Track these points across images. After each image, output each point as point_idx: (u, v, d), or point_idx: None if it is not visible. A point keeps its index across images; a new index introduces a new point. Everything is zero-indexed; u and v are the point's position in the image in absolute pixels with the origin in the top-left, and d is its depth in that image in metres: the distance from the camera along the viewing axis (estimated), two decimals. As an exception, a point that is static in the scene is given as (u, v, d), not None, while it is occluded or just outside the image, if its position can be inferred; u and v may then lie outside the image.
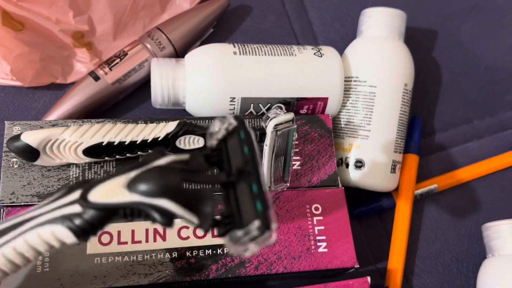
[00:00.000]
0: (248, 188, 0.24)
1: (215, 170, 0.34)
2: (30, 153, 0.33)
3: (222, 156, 0.26)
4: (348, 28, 0.47)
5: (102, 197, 0.22)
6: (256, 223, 0.22)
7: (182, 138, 0.34)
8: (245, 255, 0.24)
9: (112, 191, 0.22)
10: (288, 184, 0.36)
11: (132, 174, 0.22)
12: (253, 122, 0.37)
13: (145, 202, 0.22)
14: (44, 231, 0.23)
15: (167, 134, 0.34)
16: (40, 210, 0.23)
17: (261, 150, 0.33)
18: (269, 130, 0.32)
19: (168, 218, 0.22)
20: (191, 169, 0.23)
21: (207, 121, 0.37)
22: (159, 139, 0.34)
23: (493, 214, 0.43)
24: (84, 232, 0.23)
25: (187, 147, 0.35)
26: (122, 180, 0.22)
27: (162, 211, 0.22)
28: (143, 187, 0.21)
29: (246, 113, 0.38)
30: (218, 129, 0.26)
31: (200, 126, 0.34)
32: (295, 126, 0.32)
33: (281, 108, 0.33)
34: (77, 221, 0.22)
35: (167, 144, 0.34)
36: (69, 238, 0.23)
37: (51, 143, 0.33)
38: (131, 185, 0.22)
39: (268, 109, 0.33)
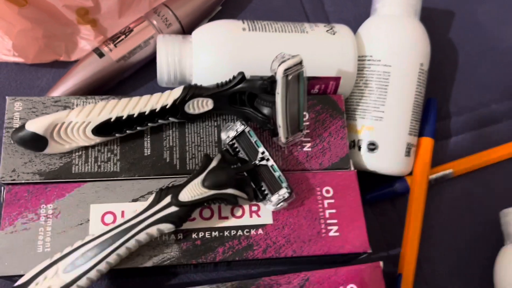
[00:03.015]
0: (270, 169, 0.33)
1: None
2: (38, 142, 0.32)
3: (241, 150, 0.34)
4: (361, 8, 0.45)
5: (189, 197, 0.31)
6: (284, 189, 0.32)
7: (190, 102, 0.33)
8: (278, 210, 0.34)
9: (194, 191, 0.31)
10: (304, 133, 0.35)
11: (202, 176, 0.31)
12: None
13: (218, 193, 0.31)
14: (152, 230, 0.30)
15: (175, 101, 0.32)
16: (141, 216, 0.30)
17: (274, 101, 0.32)
18: (279, 76, 0.31)
19: (235, 200, 0.32)
20: (230, 163, 0.33)
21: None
22: (167, 106, 0.32)
23: (509, 200, 0.41)
24: (181, 222, 0.31)
25: (196, 111, 0.33)
26: (198, 181, 0.31)
27: (231, 196, 0.31)
28: (215, 183, 0.31)
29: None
30: (228, 135, 0.34)
31: (206, 88, 0.33)
32: (304, 69, 0.32)
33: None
34: (176, 217, 0.30)
35: (175, 111, 0.33)
36: (170, 229, 0.31)
37: (58, 127, 0.32)
38: (205, 184, 0.31)
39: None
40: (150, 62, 0.40)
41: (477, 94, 0.45)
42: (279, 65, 0.31)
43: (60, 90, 0.38)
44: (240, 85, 0.33)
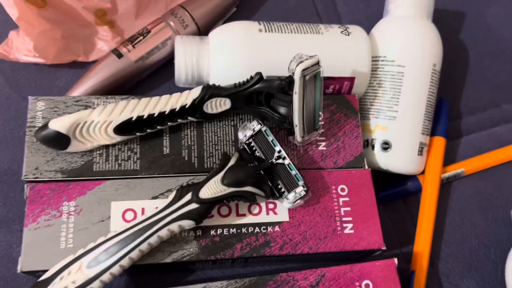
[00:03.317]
0: (287, 167, 0.34)
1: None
2: (61, 141, 0.32)
3: (258, 149, 0.34)
4: (373, 9, 0.46)
5: (209, 194, 0.31)
6: (301, 187, 0.33)
7: (208, 102, 0.34)
8: (294, 207, 0.34)
9: (214, 188, 0.32)
10: (319, 132, 0.36)
11: (221, 174, 0.32)
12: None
13: (237, 190, 0.32)
14: (173, 226, 0.31)
15: (194, 100, 0.33)
16: (163, 213, 0.31)
17: (291, 101, 0.33)
18: (297, 76, 0.32)
19: (253, 197, 0.32)
20: (247, 161, 0.33)
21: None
22: (187, 106, 0.33)
23: (521, 199, 0.42)
24: (201, 219, 0.31)
25: (214, 111, 0.34)
26: (217, 179, 0.32)
27: (249, 194, 0.32)
28: (234, 181, 0.32)
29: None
30: (245, 134, 0.34)
31: (224, 88, 0.34)
32: (321, 69, 0.32)
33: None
34: (197, 214, 0.31)
35: (194, 110, 0.34)
36: (190, 225, 0.31)
37: (81, 126, 0.32)
38: (224, 182, 0.32)
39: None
40: (167, 62, 0.41)
41: (488, 94, 0.45)
42: (297, 65, 0.32)
43: (79, 90, 0.39)
44: (257, 85, 0.34)
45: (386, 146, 0.39)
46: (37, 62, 0.40)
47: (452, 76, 0.45)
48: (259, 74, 0.34)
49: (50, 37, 0.40)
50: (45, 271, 0.31)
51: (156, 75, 0.42)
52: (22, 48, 0.39)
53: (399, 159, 0.39)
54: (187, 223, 0.31)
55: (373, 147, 0.39)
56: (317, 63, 0.32)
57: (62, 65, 0.42)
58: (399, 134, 0.38)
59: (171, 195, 0.32)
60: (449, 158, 0.43)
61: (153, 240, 0.31)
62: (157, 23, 0.40)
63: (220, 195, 0.31)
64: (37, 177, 0.33)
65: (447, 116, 0.42)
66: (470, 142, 0.44)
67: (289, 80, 0.33)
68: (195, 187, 0.31)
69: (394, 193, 0.41)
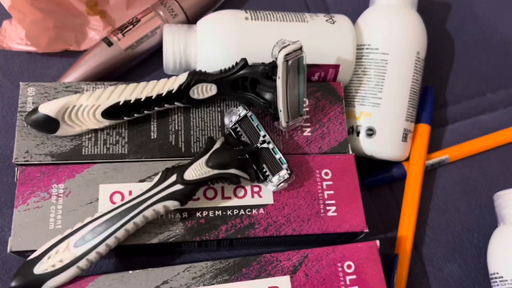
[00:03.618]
0: (271, 151, 0.34)
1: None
2: (50, 124, 0.33)
3: (243, 134, 0.35)
4: (361, 0, 0.47)
5: (194, 176, 0.32)
6: (285, 170, 0.34)
7: (194, 87, 0.34)
8: (278, 190, 0.35)
9: (198, 170, 0.32)
10: (304, 118, 0.36)
11: (206, 157, 0.33)
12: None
13: (221, 172, 0.33)
14: (158, 207, 0.32)
15: (180, 86, 0.34)
16: (148, 193, 0.32)
17: (275, 86, 0.34)
18: (280, 61, 0.32)
19: (237, 179, 0.33)
20: (233, 145, 0.34)
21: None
22: (173, 91, 0.34)
23: (504, 185, 0.42)
24: (186, 200, 0.32)
25: (200, 96, 0.35)
26: (202, 161, 0.33)
27: (233, 176, 0.33)
28: (218, 164, 0.32)
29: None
30: (231, 119, 0.35)
31: (210, 74, 0.35)
32: (304, 54, 0.33)
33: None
34: (181, 195, 0.32)
35: (181, 95, 0.35)
36: (175, 206, 0.32)
37: (69, 110, 0.33)
38: (209, 164, 0.32)
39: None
40: (157, 51, 0.42)
41: (473, 83, 0.46)
42: (280, 50, 0.33)
43: (70, 77, 0.39)
44: (242, 71, 0.35)
45: (370, 132, 0.39)
46: (30, 50, 0.41)
47: (438, 65, 0.46)
48: (243, 60, 0.35)
49: (42, 26, 0.41)
50: (34, 251, 0.31)
51: (145, 63, 0.43)
52: (15, 36, 0.40)
53: (383, 145, 0.39)
54: (172, 204, 0.32)
55: (358, 133, 0.40)
56: (300, 48, 0.33)
57: (54, 54, 0.42)
58: (383, 121, 0.39)
59: (157, 177, 0.32)
60: (435, 146, 0.43)
61: (139, 220, 0.31)
62: (147, 12, 0.41)
63: (204, 176, 0.32)
64: (27, 160, 0.34)
65: (432, 103, 0.43)
66: (455, 130, 0.44)
67: (273, 65, 0.34)
68: (180, 169, 0.32)
69: (380, 179, 0.42)
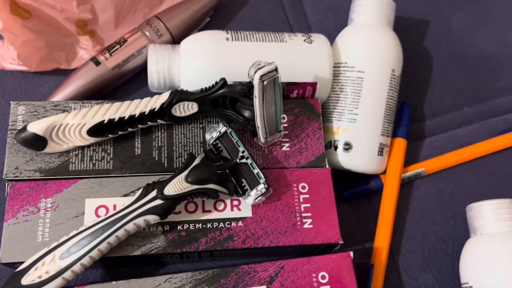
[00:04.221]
0: (250, 166, 0.36)
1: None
2: (38, 142, 0.35)
3: (224, 150, 0.37)
4: (342, 18, 0.49)
5: (173, 191, 0.34)
6: (262, 184, 0.35)
7: (176, 106, 0.36)
8: (256, 203, 0.37)
9: (178, 186, 0.34)
10: (282, 134, 0.38)
11: (185, 172, 0.34)
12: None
13: (200, 188, 0.34)
14: (139, 221, 0.33)
15: (162, 104, 0.36)
16: (130, 208, 0.33)
17: (253, 104, 0.35)
18: (256, 81, 0.34)
19: (215, 194, 0.35)
20: (212, 161, 0.36)
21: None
22: (156, 110, 0.36)
23: (479, 197, 0.43)
24: (166, 214, 0.34)
25: (182, 114, 0.37)
26: (182, 177, 0.34)
27: (212, 191, 0.35)
28: (197, 179, 0.34)
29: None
30: (211, 136, 0.37)
31: (191, 93, 0.36)
32: (279, 75, 0.35)
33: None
34: (161, 210, 0.33)
35: (163, 113, 0.36)
36: (155, 220, 0.34)
37: (56, 128, 0.35)
38: (188, 179, 0.34)
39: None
40: (143, 69, 0.43)
41: (450, 97, 0.47)
42: (255, 71, 0.34)
43: (60, 95, 0.41)
44: (222, 90, 0.36)
45: (347, 147, 0.41)
46: (22, 69, 0.43)
47: (415, 80, 0.48)
48: (223, 79, 0.36)
49: (33, 46, 0.43)
50: (22, 262, 0.33)
51: (132, 81, 0.44)
52: (7, 56, 0.42)
53: (360, 159, 0.41)
54: (152, 218, 0.33)
55: (335, 148, 0.41)
56: (275, 69, 0.35)
57: (46, 72, 0.44)
58: (359, 136, 0.41)
59: (138, 192, 0.34)
60: (412, 159, 0.45)
61: (121, 233, 0.33)
62: (134, 32, 0.43)
63: (183, 192, 0.34)
64: (17, 176, 0.36)
65: (408, 118, 0.44)
66: (432, 144, 0.46)
67: (249, 86, 0.36)
68: (160, 185, 0.34)
69: (358, 191, 0.43)
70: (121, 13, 0.45)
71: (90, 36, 0.45)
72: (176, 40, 0.44)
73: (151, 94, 0.42)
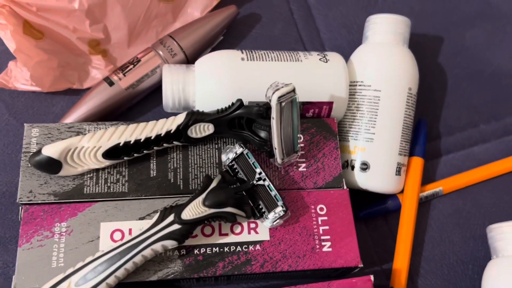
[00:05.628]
0: (267, 188, 0.36)
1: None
2: (53, 165, 0.35)
3: (240, 171, 0.36)
4: (355, 35, 0.48)
5: (191, 215, 0.33)
6: (280, 207, 0.35)
7: (192, 127, 0.36)
8: (274, 227, 0.36)
9: (195, 210, 0.33)
10: (299, 154, 0.37)
11: (203, 196, 0.34)
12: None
13: (218, 211, 0.34)
14: (156, 246, 0.33)
15: (178, 126, 0.35)
16: (147, 233, 0.33)
17: (270, 125, 0.35)
18: (274, 103, 0.34)
19: (233, 218, 0.34)
20: (229, 183, 0.35)
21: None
22: (171, 131, 0.35)
23: (498, 216, 0.43)
24: (183, 239, 0.33)
25: (198, 135, 0.36)
26: (199, 200, 0.34)
27: (229, 215, 0.34)
28: (214, 203, 0.34)
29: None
30: (227, 157, 0.36)
31: (207, 114, 0.36)
32: (297, 95, 0.34)
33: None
34: (179, 235, 0.33)
35: (179, 135, 0.36)
36: (173, 245, 0.33)
37: (71, 152, 0.35)
38: (206, 203, 0.34)
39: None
40: (157, 89, 0.43)
41: (466, 115, 0.47)
42: (273, 93, 0.34)
43: (73, 116, 0.41)
44: (238, 111, 0.36)
45: (364, 166, 0.40)
46: (34, 90, 0.42)
47: (431, 98, 0.47)
48: (239, 101, 0.36)
49: (46, 67, 0.42)
50: (37, 289, 0.32)
51: (146, 101, 0.44)
52: (20, 77, 0.42)
53: (377, 179, 0.40)
54: (170, 243, 0.33)
55: (352, 167, 0.41)
56: (293, 90, 0.34)
57: (58, 92, 0.44)
58: (377, 155, 0.40)
59: (155, 217, 0.34)
60: (429, 177, 0.44)
61: (138, 259, 0.32)
62: (147, 52, 0.43)
63: (201, 216, 0.33)
64: (31, 200, 0.35)
65: (425, 137, 0.44)
66: (449, 162, 0.45)
67: (267, 107, 0.35)
68: (178, 209, 0.33)
69: (375, 211, 0.42)
70: (134, 32, 0.44)
71: (102, 55, 0.44)
72: (189, 59, 0.43)
73: (165, 114, 0.42)
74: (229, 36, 0.47)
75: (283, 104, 0.34)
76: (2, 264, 0.39)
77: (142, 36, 0.45)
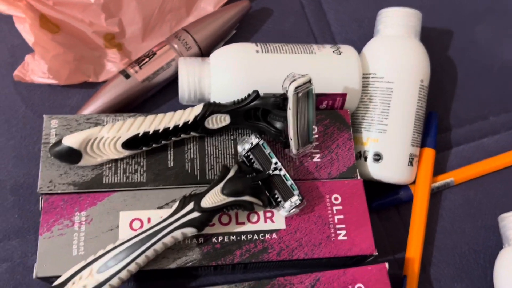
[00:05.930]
0: (283, 178, 0.36)
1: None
2: (73, 155, 0.35)
3: (256, 161, 0.37)
4: (365, 29, 0.49)
5: (210, 203, 0.34)
6: (296, 196, 0.35)
7: (209, 118, 0.36)
8: (290, 215, 0.37)
9: (214, 198, 0.34)
10: (313, 145, 0.38)
11: (221, 185, 0.35)
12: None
13: (236, 200, 0.34)
14: (177, 234, 0.33)
15: (196, 117, 0.36)
16: (167, 221, 0.33)
17: (286, 116, 0.36)
18: (290, 93, 0.34)
19: (251, 206, 0.35)
20: (246, 173, 0.36)
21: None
22: (189, 122, 0.36)
23: (508, 206, 0.43)
24: (203, 226, 0.34)
25: (215, 126, 0.37)
26: (218, 189, 0.34)
27: (247, 203, 0.35)
28: (233, 191, 0.34)
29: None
30: (243, 147, 0.37)
31: (224, 105, 0.37)
32: (313, 86, 0.35)
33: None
34: (198, 222, 0.34)
35: (196, 126, 0.36)
36: (193, 233, 0.34)
37: (91, 142, 0.35)
38: (224, 192, 0.34)
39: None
40: (172, 82, 0.44)
41: (476, 107, 0.47)
42: (290, 83, 0.34)
43: (90, 108, 0.41)
44: (254, 102, 0.37)
45: (377, 157, 0.41)
46: (51, 83, 0.43)
47: (442, 90, 0.48)
48: (255, 92, 0.37)
49: (63, 60, 0.43)
50: (58, 276, 0.33)
51: (161, 93, 0.44)
52: (37, 70, 0.42)
53: (390, 169, 0.41)
54: (190, 231, 0.33)
55: (365, 158, 0.41)
56: (309, 81, 0.35)
57: (74, 86, 0.44)
58: (389, 146, 0.41)
59: (175, 205, 0.34)
60: (440, 169, 0.45)
61: (158, 246, 0.33)
62: (162, 45, 0.43)
63: (220, 204, 0.34)
64: (51, 190, 0.36)
65: (436, 128, 0.44)
66: (459, 153, 0.46)
67: (283, 97, 0.36)
68: (197, 197, 0.34)
69: (388, 202, 0.43)
70: (149, 26, 0.45)
71: (117, 49, 0.45)
72: (203, 52, 0.44)
73: (180, 106, 0.43)
74: (241, 30, 0.47)
75: (299, 94, 0.35)
76: (21, 254, 0.40)
77: (156, 30, 0.46)
